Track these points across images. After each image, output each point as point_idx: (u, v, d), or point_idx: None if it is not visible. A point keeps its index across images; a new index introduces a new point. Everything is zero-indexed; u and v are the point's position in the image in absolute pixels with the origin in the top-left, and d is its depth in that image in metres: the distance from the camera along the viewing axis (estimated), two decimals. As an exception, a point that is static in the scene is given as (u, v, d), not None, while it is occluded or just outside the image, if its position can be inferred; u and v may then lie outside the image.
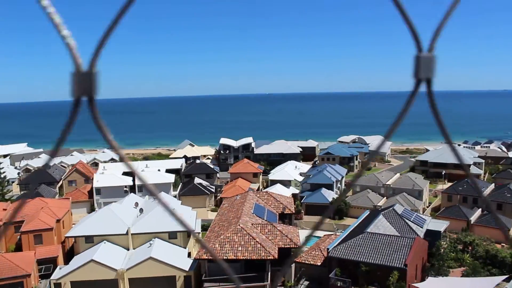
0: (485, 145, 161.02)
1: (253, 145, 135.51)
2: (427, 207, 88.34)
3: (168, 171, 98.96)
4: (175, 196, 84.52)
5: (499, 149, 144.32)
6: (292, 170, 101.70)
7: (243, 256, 45.86)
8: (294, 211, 67.24)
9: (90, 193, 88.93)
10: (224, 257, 45.63)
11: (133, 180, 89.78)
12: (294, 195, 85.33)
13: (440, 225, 61.98)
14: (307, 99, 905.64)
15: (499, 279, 45.73)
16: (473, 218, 74.15)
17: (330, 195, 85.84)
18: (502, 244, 66.56)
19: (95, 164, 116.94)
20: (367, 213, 63.60)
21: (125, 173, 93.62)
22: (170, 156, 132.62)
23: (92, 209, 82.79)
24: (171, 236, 54.90)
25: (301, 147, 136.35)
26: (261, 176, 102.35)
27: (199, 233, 65.46)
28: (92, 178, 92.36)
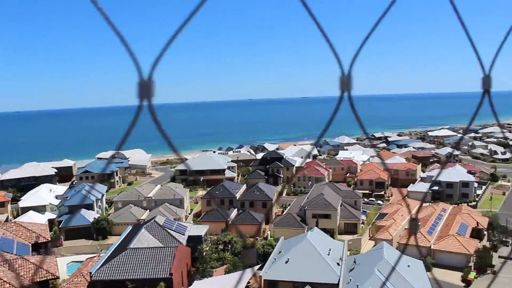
0: (236, 149, 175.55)
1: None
2: (189, 214, 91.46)
3: None
4: None
5: (248, 152, 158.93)
6: (47, 194, 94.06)
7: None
8: (50, 239, 62.25)
9: None
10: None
11: None
12: (51, 221, 78.85)
13: (200, 230, 64.68)
14: (57, 116, 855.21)
15: (255, 268, 50.51)
16: (231, 218, 79.69)
17: (91, 215, 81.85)
18: (256, 237, 73.14)
19: None
20: (130, 228, 62.38)
21: None
22: None
23: None
24: None
25: (56, 168, 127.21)
26: (9, 205, 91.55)
27: None
28: None
